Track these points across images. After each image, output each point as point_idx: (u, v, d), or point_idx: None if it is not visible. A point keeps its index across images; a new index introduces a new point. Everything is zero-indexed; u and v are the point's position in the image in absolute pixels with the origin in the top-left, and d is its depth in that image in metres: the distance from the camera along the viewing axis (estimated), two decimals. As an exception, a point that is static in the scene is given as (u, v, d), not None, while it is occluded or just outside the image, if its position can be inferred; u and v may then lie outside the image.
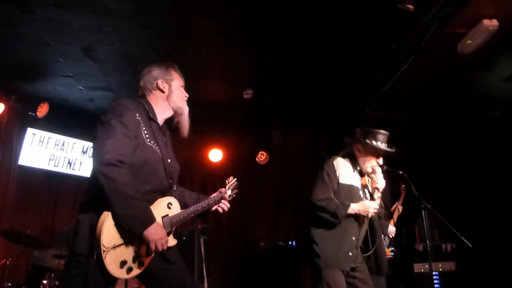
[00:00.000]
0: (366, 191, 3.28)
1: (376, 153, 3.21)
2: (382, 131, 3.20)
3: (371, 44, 4.49)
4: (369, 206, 3.07)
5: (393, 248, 4.43)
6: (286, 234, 6.87)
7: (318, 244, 3.07)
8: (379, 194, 3.19)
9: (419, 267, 5.43)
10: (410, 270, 5.46)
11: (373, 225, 3.24)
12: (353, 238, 3.12)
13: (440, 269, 5.40)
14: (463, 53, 3.86)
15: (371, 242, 3.20)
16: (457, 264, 5.47)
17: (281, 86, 5.61)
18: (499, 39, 3.74)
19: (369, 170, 3.23)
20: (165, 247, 2.15)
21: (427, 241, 4.10)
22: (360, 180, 3.28)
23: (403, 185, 4.80)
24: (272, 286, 5.98)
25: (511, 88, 5.11)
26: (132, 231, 2.05)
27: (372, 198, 3.22)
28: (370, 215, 3.11)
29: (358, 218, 3.13)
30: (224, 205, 2.67)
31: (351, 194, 3.16)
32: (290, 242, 6.49)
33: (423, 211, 4.12)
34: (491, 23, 3.49)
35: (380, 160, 3.24)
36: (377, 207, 3.12)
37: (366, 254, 3.16)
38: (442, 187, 6.37)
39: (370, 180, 3.27)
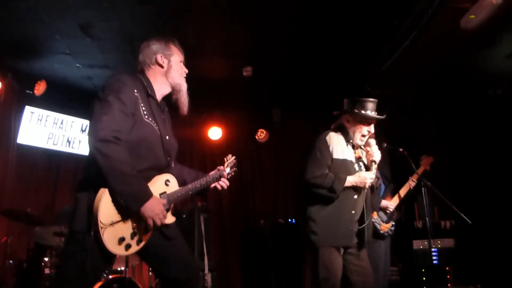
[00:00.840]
0: (361, 163, 3.25)
1: (366, 121, 3.17)
2: (370, 99, 3.15)
3: (372, 20, 4.41)
4: (366, 177, 3.05)
5: (393, 223, 4.42)
6: (286, 212, 6.90)
7: (316, 221, 3.05)
8: (376, 166, 3.15)
9: (418, 244, 5.46)
10: (409, 247, 5.50)
11: (367, 197, 3.21)
12: (352, 212, 3.10)
13: (439, 246, 5.44)
14: (466, 28, 3.79)
15: (366, 215, 3.17)
16: (456, 241, 5.51)
17: (281, 64, 5.55)
18: (502, 14, 3.66)
19: (359, 142, 3.19)
20: (163, 222, 2.15)
21: (427, 218, 4.10)
22: (354, 153, 3.24)
23: (426, 158, 4.69)
24: (272, 263, 6.04)
25: (514, 65, 5.06)
26: (129, 208, 2.04)
27: (367, 170, 3.18)
28: (367, 186, 3.08)
29: (355, 190, 3.11)
30: (223, 183, 2.66)
31: (345, 168, 3.12)
32: (290, 220, 6.52)
33: (422, 189, 4.13)
34: (495, -3, 3.42)
35: (371, 128, 3.19)
36: (374, 177, 3.09)
37: (361, 226, 3.12)
38: (443, 165, 6.37)
39: (364, 152, 3.24)
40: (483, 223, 5.29)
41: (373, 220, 4.23)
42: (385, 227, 4.34)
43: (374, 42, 4.80)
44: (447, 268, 5.36)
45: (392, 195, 4.52)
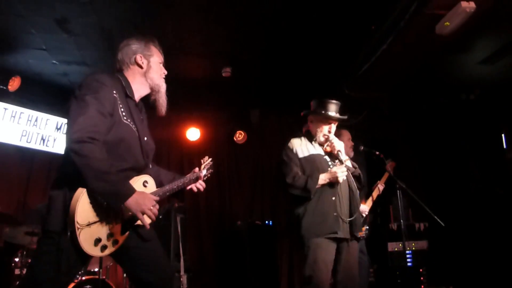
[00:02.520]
0: (333, 156, 3.34)
1: (327, 121, 3.32)
2: (333, 101, 3.32)
3: (350, 24, 4.46)
4: (336, 172, 3.13)
5: (367, 227, 4.48)
6: (262, 214, 6.91)
7: (301, 217, 3.15)
8: (346, 157, 3.30)
9: (393, 246, 5.56)
10: (384, 249, 5.58)
11: (352, 191, 3.27)
12: (333, 198, 3.17)
13: (413, 248, 5.54)
14: (441, 34, 3.88)
15: (351, 208, 3.24)
16: (430, 243, 5.62)
17: (260, 65, 5.56)
18: (475, 22, 3.76)
19: (321, 139, 3.33)
20: (155, 212, 2.13)
21: (401, 221, 4.19)
22: (322, 148, 3.36)
23: (389, 163, 4.77)
24: (248, 265, 6.04)
25: (486, 71, 5.19)
26: (112, 206, 2.02)
27: (340, 162, 3.25)
28: (341, 180, 3.15)
29: (332, 185, 3.19)
30: (200, 185, 2.67)
31: (315, 162, 3.27)
32: (266, 221, 6.54)
33: (398, 191, 4.21)
34: (468, 5, 3.50)
35: (332, 128, 3.34)
36: (345, 170, 3.17)
37: (350, 219, 3.18)
38: (418, 168, 6.49)
39: (330, 148, 3.33)
40: (456, 226, 5.41)
41: None
42: (361, 231, 4.40)
43: (352, 46, 4.85)
44: (421, 270, 5.46)
45: (366, 198, 4.58)
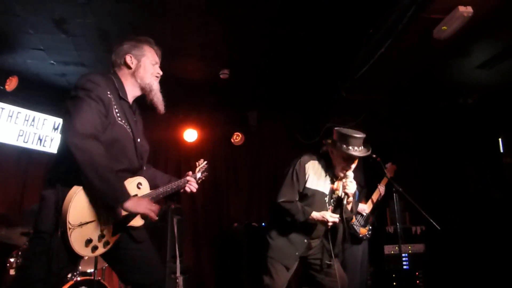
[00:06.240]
0: (334, 196, 3.27)
1: (349, 158, 3.14)
2: (357, 136, 3.11)
3: (349, 27, 4.46)
4: (328, 219, 3.09)
5: (370, 227, 4.49)
6: (259, 215, 6.89)
7: (272, 238, 3.23)
8: (351, 199, 3.19)
9: (389, 249, 5.55)
10: (381, 252, 5.58)
11: (336, 232, 3.27)
12: (305, 240, 3.22)
13: (410, 251, 5.53)
14: (439, 38, 3.88)
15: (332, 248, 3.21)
16: (426, 246, 5.62)
17: (259, 67, 5.55)
18: (473, 26, 3.77)
19: (340, 174, 3.21)
20: (154, 210, 2.15)
21: (398, 224, 4.19)
22: (330, 185, 3.27)
23: (390, 166, 4.78)
24: (245, 267, 6.03)
25: (484, 75, 5.18)
26: (109, 204, 2.02)
27: (339, 203, 3.23)
28: (329, 225, 3.14)
29: (316, 223, 3.18)
30: (193, 186, 2.65)
31: (315, 199, 3.20)
32: (263, 223, 6.52)
33: (394, 194, 4.21)
34: (466, 10, 3.51)
35: (353, 165, 3.20)
36: (337, 220, 3.13)
37: (329, 263, 3.23)
38: (415, 172, 6.48)
39: (342, 185, 3.22)
40: (453, 229, 5.41)
41: (353, 224, 4.32)
42: (364, 231, 4.41)
43: (350, 49, 4.85)
44: (417, 273, 5.46)
45: (366, 200, 4.59)
